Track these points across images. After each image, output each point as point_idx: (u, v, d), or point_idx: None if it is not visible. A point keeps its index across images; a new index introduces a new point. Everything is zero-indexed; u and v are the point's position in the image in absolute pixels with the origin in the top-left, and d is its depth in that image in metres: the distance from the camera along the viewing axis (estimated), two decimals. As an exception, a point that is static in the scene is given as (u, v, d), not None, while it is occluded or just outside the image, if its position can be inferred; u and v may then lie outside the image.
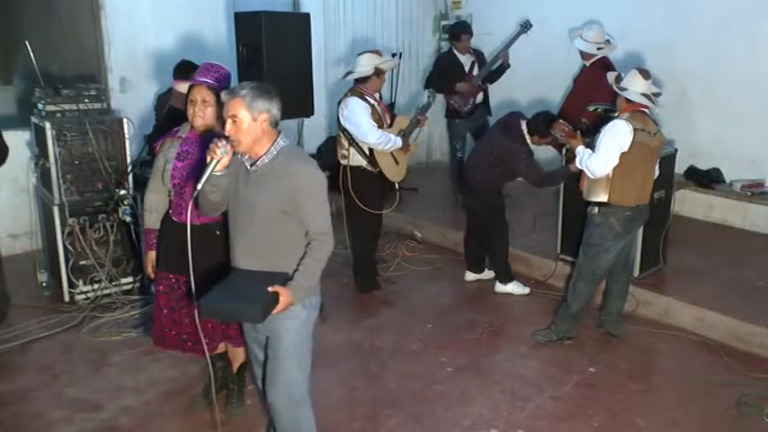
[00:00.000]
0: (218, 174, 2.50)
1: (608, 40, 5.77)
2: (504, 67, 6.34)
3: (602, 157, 3.77)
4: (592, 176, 3.86)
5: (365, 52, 4.65)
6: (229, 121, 2.49)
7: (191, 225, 3.01)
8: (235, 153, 2.53)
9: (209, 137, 2.81)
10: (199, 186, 2.48)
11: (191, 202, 2.55)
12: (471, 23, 7.15)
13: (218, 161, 2.46)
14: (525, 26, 6.15)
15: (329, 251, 2.61)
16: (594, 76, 5.47)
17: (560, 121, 4.40)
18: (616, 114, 3.95)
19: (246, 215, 2.58)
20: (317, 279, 2.61)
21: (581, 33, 5.79)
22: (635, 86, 3.83)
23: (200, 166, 2.58)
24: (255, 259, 2.59)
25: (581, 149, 3.95)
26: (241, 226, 2.62)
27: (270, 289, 2.43)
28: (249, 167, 2.57)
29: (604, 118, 4.76)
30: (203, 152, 2.55)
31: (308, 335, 2.71)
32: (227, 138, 2.48)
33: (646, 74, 3.86)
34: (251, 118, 2.48)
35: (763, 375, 3.79)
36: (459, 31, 6.47)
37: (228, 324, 3.18)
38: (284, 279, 2.52)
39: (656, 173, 4.16)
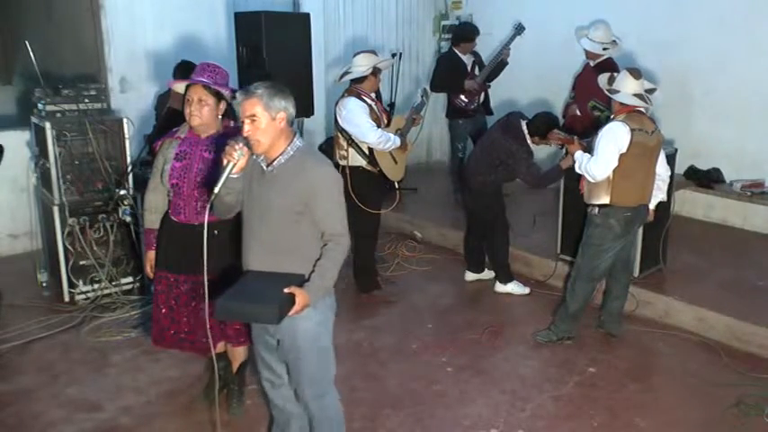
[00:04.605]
0: (235, 176, 2.46)
1: (614, 41, 5.68)
2: (503, 64, 6.34)
3: (601, 160, 3.76)
4: (592, 180, 3.85)
5: (361, 52, 4.64)
6: (247, 121, 2.43)
7: (190, 225, 3.03)
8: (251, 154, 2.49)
9: (222, 139, 2.76)
10: (216, 190, 2.42)
11: (207, 206, 2.48)
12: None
13: (235, 164, 2.41)
14: (519, 29, 6.17)
15: (346, 252, 2.57)
16: (597, 76, 5.45)
17: (555, 131, 4.41)
18: (612, 116, 3.93)
19: (260, 216, 2.54)
20: (333, 280, 2.57)
21: (587, 32, 5.71)
22: (626, 88, 3.80)
23: (215, 168, 2.52)
24: (269, 260, 2.55)
25: (579, 155, 3.94)
26: (255, 227, 2.57)
27: (286, 290, 2.39)
28: (265, 168, 2.53)
29: (602, 120, 4.76)
30: (218, 154, 2.49)
31: (326, 335, 2.67)
32: (244, 139, 2.43)
33: (636, 73, 3.82)
34: (269, 117, 2.44)
35: (763, 375, 3.79)
36: (470, 34, 6.42)
37: (226, 324, 3.17)
38: (300, 280, 2.48)
39: (668, 170, 4.17)
